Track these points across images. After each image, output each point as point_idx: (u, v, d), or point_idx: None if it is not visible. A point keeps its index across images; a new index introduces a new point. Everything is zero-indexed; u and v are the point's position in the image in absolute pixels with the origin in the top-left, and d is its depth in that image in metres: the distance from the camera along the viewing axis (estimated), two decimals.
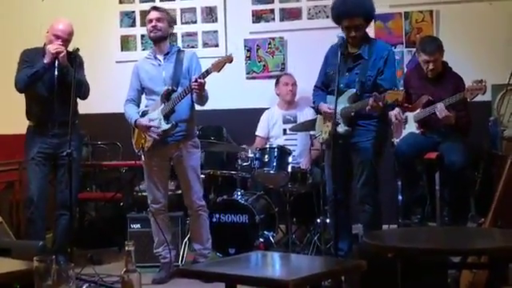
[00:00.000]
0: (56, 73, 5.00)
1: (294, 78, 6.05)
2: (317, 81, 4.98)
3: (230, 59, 4.80)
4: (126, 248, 2.50)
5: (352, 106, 4.63)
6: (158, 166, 5.05)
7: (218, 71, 4.78)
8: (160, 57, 5.06)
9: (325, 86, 4.91)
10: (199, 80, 4.75)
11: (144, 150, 5.00)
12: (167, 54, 5.06)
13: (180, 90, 4.91)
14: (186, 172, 5.02)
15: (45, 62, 5.03)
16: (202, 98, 4.92)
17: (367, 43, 4.70)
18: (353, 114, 4.63)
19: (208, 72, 4.79)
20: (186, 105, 4.98)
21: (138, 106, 5.14)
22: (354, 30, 4.59)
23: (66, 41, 5.12)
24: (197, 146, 5.11)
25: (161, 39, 5.04)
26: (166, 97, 4.92)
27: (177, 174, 5.15)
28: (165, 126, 4.90)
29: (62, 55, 5.01)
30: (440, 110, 5.08)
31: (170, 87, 4.93)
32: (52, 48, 5.02)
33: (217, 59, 4.82)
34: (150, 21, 5.04)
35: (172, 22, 5.22)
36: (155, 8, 5.17)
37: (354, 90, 4.65)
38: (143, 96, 5.18)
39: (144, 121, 4.96)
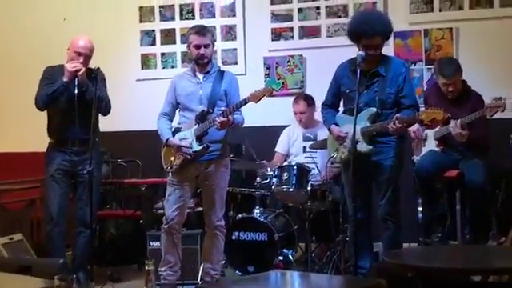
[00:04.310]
0: (76, 91, 4.98)
1: (306, 103, 5.98)
2: (325, 99, 4.99)
3: (270, 91, 4.76)
4: (146, 267, 2.52)
5: (374, 126, 4.63)
6: (184, 184, 4.96)
7: (256, 102, 4.72)
8: (200, 75, 4.98)
9: (334, 105, 4.94)
10: (221, 119, 4.70)
11: (172, 167, 4.94)
12: (207, 72, 4.98)
13: (216, 111, 4.85)
14: (212, 191, 4.96)
15: (64, 80, 5.02)
16: (231, 128, 4.89)
17: (383, 60, 4.71)
18: (374, 133, 4.64)
19: (246, 102, 4.74)
20: None
21: (171, 121, 5.08)
22: (373, 48, 4.59)
23: (87, 57, 5.11)
24: (227, 165, 5.05)
25: (206, 64, 5.00)
26: (201, 118, 4.85)
27: (201, 191, 5.10)
28: (196, 148, 4.84)
29: (80, 73, 4.99)
30: (453, 126, 5.04)
31: (206, 108, 4.86)
32: (70, 66, 5.00)
33: (256, 90, 4.75)
34: (198, 47, 4.90)
35: (214, 40, 5.15)
36: (202, 33, 4.94)
37: (375, 110, 4.65)
38: (177, 111, 5.10)
39: (175, 140, 4.89)
